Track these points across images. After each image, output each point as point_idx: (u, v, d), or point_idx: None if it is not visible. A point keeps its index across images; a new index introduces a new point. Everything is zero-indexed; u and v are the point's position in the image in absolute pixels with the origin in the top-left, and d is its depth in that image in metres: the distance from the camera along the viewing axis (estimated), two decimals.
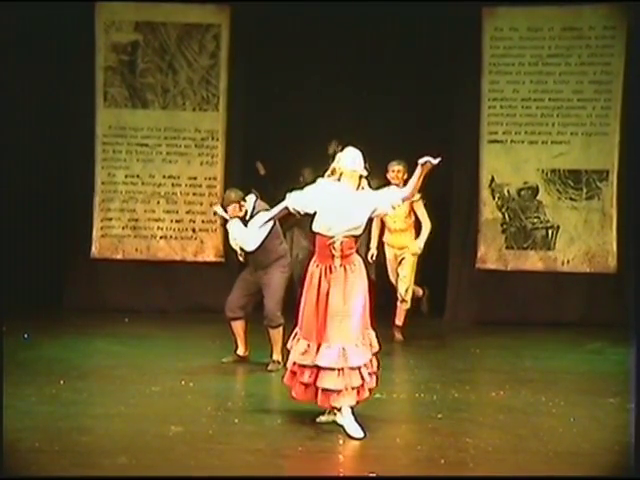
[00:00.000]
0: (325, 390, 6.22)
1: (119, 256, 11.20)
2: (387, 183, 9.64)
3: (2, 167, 10.19)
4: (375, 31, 11.25)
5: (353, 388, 6.24)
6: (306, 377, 6.28)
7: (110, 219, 11.20)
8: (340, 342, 6.20)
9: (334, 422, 6.35)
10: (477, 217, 11.04)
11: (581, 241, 10.90)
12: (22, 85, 10.60)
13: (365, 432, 6.19)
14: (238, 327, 8.44)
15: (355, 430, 6.18)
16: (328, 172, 6.38)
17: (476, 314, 10.91)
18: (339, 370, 6.18)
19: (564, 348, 9.55)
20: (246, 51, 11.10)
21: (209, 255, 11.20)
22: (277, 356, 8.25)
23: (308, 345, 6.28)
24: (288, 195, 6.50)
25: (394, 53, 11.31)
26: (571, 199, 10.94)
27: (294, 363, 6.37)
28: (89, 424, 6.44)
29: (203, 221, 11.17)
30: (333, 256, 6.28)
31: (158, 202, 11.22)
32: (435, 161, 6.27)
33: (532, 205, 11.00)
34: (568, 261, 10.92)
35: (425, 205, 9.80)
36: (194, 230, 11.20)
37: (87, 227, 11.16)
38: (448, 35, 10.92)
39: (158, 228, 11.20)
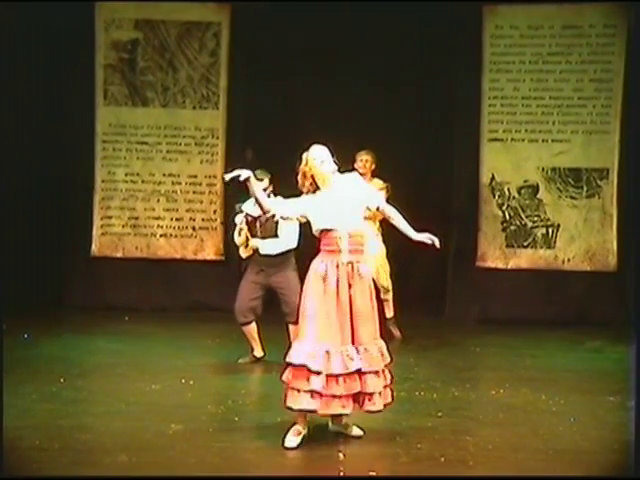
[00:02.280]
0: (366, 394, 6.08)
1: (119, 254, 11.20)
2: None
3: (2, 165, 10.19)
4: (375, 29, 11.25)
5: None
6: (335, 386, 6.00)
7: (110, 217, 11.20)
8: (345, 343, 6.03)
9: (338, 431, 6.24)
10: (477, 215, 11.04)
11: (581, 239, 10.90)
12: (22, 83, 10.59)
13: (364, 431, 6.19)
14: (251, 330, 8.42)
15: (355, 430, 6.18)
16: (299, 177, 6.16)
17: (476, 312, 10.91)
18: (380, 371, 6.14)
19: (564, 346, 9.55)
20: (246, 49, 11.10)
21: (209, 253, 11.20)
22: None
23: (315, 349, 6.00)
24: (275, 203, 6.29)
25: (394, 51, 11.30)
26: (571, 197, 10.94)
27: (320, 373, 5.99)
28: (89, 422, 6.45)
29: (203, 219, 11.17)
30: (340, 251, 6.06)
31: (158, 200, 11.23)
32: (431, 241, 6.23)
33: (532, 203, 11.00)
34: (568, 259, 10.92)
35: (388, 199, 9.57)
36: (194, 228, 11.21)
37: (87, 225, 11.17)
38: (448, 33, 10.92)
39: (158, 226, 11.21)
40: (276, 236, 8.24)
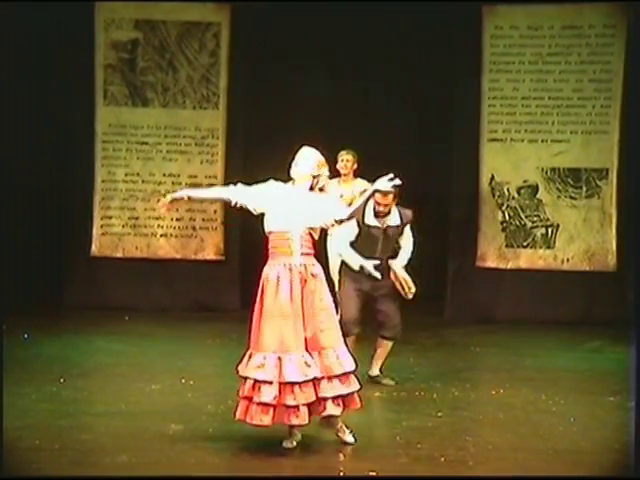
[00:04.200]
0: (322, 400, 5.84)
1: (119, 254, 11.20)
2: (337, 174, 9.21)
3: (2, 165, 10.19)
4: (375, 30, 11.26)
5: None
6: (300, 395, 5.74)
7: (110, 217, 11.21)
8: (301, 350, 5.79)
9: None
10: (477, 215, 11.05)
11: (581, 239, 10.91)
12: (22, 83, 10.60)
13: (356, 439, 6.07)
14: (352, 342, 7.45)
15: (348, 436, 6.03)
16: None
17: (476, 312, 10.91)
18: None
19: (564, 346, 9.56)
20: (246, 49, 11.10)
21: (209, 253, 11.20)
22: (378, 371, 7.78)
23: (264, 357, 5.79)
24: (233, 186, 6.05)
25: (394, 52, 11.32)
26: (571, 197, 10.95)
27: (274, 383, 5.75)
28: (89, 422, 6.44)
29: (203, 219, 11.17)
30: (292, 253, 5.86)
31: (158, 200, 11.18)
32: (387, 187, 6.01)
33: (532, 203, 11.01)
34: (568, 259, 10.93)
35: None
36: (194, 228, 11.21)
37: (87, 225, 11.17)
38: (448, 33, 10.93)
39: (158, 226, 11.21)
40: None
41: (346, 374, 5.90)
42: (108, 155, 11.21)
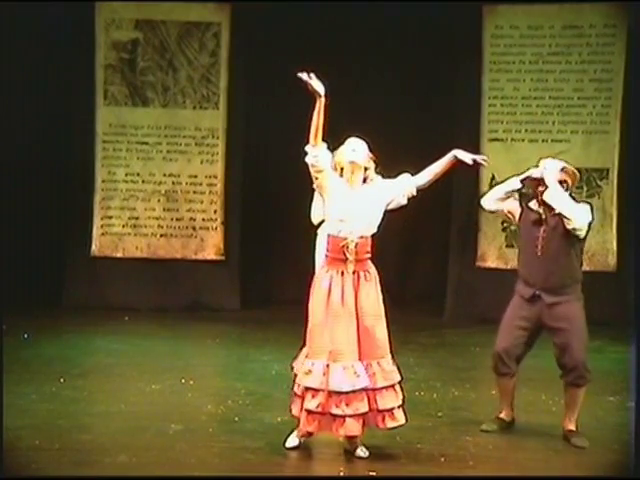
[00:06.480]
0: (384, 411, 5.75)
1: (119, 254, 11.20)
2: None
3: (2, 165, 10.19)
4: (375, 30, 11.25)
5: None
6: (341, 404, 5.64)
7: (110, 217, 11.20)
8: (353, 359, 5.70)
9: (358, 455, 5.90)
10: (477, 215, 11.04)
11: None
12: (22, 83, 10.60)
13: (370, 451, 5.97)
14: (509, 384, 6.41)
15: (360, 450, 5.92)
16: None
17: (476, 312, 10.89)
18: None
19: None
20: (246, 49, 11.10)
21: (209, 253, 11.20)
22: (572, 424, 6.30)
23: (312, 364, 5.71)
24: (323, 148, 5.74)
25: (395, 51, 11.31)
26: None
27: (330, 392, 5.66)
28: (89, 422, 6.45)
29: (203, 219, 11.17)
30: (346, 259, 5.72)
31: (158, 200, 11.23)
32: (470, 161, 6.15)
33: None
34: None
35: None
36: (194, 228, 11.21)
37: (87, 225, 11.16)
38: (449, 33, 10.92)
39: (158, 226, 11.21)
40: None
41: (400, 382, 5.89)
42: (108, 155, 11.21)
